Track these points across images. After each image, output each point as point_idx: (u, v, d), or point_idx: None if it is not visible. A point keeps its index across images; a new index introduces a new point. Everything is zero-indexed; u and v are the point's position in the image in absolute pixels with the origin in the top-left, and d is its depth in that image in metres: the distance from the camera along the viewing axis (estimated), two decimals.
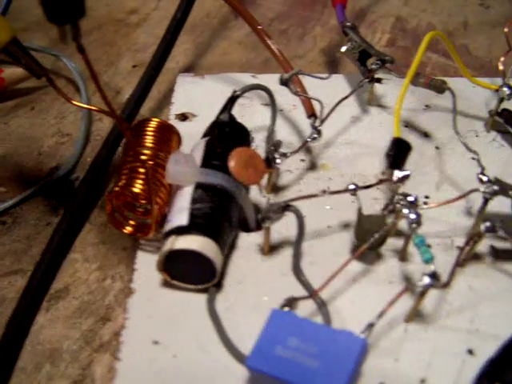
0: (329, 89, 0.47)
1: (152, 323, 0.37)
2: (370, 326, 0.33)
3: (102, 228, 0.44)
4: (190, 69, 0.59)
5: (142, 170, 0.39)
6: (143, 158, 0.40)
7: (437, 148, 0.48)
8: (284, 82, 0.43)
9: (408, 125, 0.49)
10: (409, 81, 0.43)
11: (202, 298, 0.38)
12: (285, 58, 0.46)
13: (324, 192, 0.37)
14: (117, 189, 0.39)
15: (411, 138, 0.48)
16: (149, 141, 0.41)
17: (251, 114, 0.50)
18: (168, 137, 0.42)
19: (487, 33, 0.63)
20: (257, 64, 0.59)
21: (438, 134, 0.49)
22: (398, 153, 0.37)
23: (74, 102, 0.40)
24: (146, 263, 0.40)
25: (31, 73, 0.39)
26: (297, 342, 0.32)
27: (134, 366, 0.35)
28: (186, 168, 0.38)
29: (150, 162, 0.40)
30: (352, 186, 0.38)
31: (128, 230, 0.41)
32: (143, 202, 0.40)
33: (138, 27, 0.65)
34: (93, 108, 0.39)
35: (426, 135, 0.49)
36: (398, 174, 0.38)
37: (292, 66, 0.46)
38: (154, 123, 0.42)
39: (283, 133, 0.49)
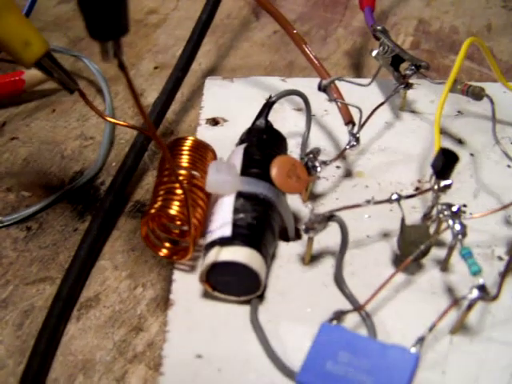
0: (358, 94, 0.46)
1: (194, 336, 0.36)
2: (421, 339, 0.33)
3: (130, 235, 0.43)
4: (212, 71, 0.58)
5: (178, 192, 0.38)
6: (180, 178, 0.38)
7: (471, 155, 0.47)
8: (323, 89, 0.42)
9: (441, 131, 0.48)
10: (449, 88, 0.42)
11: (243, 310, 0.37)
12: (321, 64, 0.45)
13: (368, 202, 0.37)
14: (153, 211, 0.38)
15: (445, 144, 0.46)
16: (185, 160, 0.40)
17: (282, 119, 0.49)
18: (203, 155, 0.41)
19: (511, 35, 0.62)
20: (281, 67, 0.59)
21: (472, 141, 0.48)
22: (446, 163, 0.36)
23: (108, 119, 0.38)
24: (185, 273, 0.39)
25: (63, 87, 0.38)
26: (348, 357, 0.31)
27: (177, 380, 0.34)
28: (227, 177, 0.37)
29: (186, 182, 0.39)
30: (395, 196, 0.37)
31: (164, 252, 0.39)
32: (179, 223, 0.39)
33: (158, 28, 0.64)
34: (127, 125, 0.38)
35: (460, 142, 0.48)
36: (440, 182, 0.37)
37: (329, 73, 0.45)
38: (189, 142, 0.41)
39: (316, 139, 0.48)
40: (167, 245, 0.40)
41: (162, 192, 0.39)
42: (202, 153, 0.41)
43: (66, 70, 0.37)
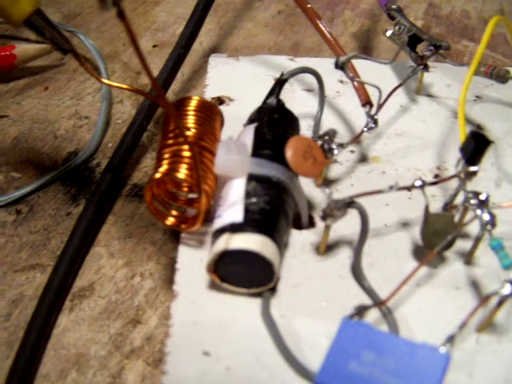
0: (371, 76, 0.43)
1: (200, 331, 0.33)
2: (451, 338, 0.30)
3: (127, 220, 0.41)
4: (214, 50, 0.55)
5: (186, 154, 0.35)
6: (188, 139, 0.35)
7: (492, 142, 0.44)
8: (340, 66, 0.39)
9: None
10: (474, 68, 0.39)
11: (254, 303, 0.34)
12: (336, 41, 0.42)
13: (391, 188, 0.34)
14: (158, 175, 0.34)
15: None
16: (191, 121, 0.37)
17: (292, 100, 0.47)
18: (212, 117, 0.38)
19: None
20: (286, 48, 0.56)
21: (493, 127, 0.46)
22: (477, 147, 0.33)
23: (104, 80, 0.36)
24: (189, 262, 0.36)
25: (56, 48, 0.35)
26: (373, 357, 0.29)
27: (182, 380, 0.31)
28: (238, 157, 0.34)
29: (195, 144, 0.36)
30: (419, 183, 0.35)
31: (171, 221, 0.36)
32: (186, 189, 0.36)
33: (157, 5, 0.61)
34: (124, 87, 0.35)
35: (479, 128, 0.46)
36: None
37: (344, 51, 0.42)
38: (195, 102, 0.38)
39: (327, 121, 0.45)
40: (174, 212, 0.37)
41: (167, 155, 0.35)
42: (211, 114, 0.38)
43: (59, 30, 0.34)
